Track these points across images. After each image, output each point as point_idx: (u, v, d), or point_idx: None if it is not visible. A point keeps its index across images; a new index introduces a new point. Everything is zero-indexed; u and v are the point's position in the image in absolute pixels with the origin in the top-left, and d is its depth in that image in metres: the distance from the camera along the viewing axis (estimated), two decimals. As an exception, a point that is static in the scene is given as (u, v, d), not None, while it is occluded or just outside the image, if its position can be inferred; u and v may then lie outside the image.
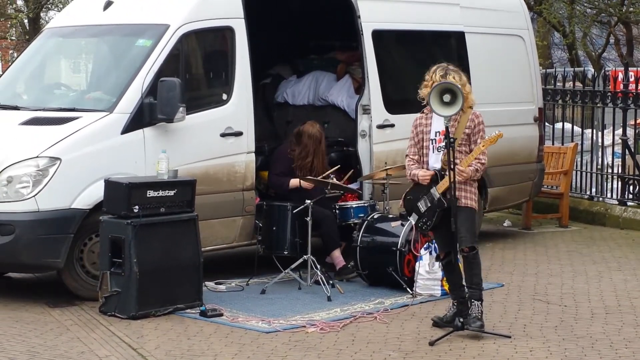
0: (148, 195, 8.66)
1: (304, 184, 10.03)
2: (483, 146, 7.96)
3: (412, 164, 8.17)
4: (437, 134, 8.02)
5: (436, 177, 8.02)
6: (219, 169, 9.84)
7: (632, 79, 13.86)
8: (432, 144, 8.06)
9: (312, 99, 11.86)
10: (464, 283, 8.20)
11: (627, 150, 14.25)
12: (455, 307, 8.17)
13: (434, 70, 8.14)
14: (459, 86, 7.87)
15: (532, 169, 12.80)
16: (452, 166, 7.82)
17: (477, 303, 8.05)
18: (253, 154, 10.11)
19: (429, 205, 8.03)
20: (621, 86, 14.24)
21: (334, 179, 10.01)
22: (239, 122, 10.00)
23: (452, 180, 7.83)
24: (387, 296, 9.27)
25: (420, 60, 11.70)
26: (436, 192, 7.99)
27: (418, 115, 8.24)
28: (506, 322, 8.43)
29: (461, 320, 7.94)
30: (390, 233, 9.72)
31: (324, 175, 10.03)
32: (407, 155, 8.26)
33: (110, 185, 8.72)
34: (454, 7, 12.01)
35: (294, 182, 10.15)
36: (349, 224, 10.12)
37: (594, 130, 15.09)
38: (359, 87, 11.37)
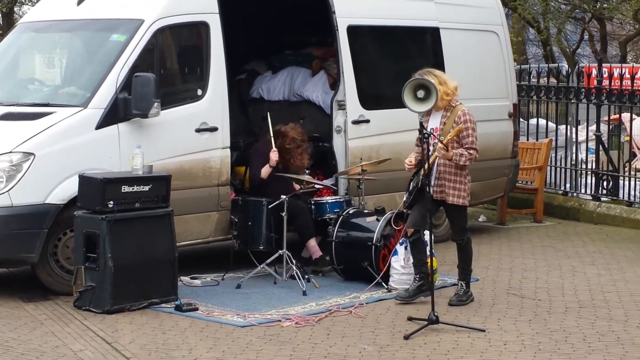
0: (123, 191, 8.63)
1: (271, 160, 10.00)
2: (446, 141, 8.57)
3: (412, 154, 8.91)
4: (432, 130, 8.56)
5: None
6: (194, 164, 9.82)
7: (605, 75, 13.94)
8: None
9: (288, 94, 11.85)
10: (427, 260, 8.86)
11: (600, 146, 14.35)
12: (417, 280, 8.89)
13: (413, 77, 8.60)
14: (432, 82, 8.18)
15: (506, 164, 12.84)
16: (427, 159, 8.39)
17: (461, 282, 8.96)
18: (228, 150, 10.09)
19: (414, 185, 8.71)
20: (595, 82, 14.32)
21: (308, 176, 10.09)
22: (214, 117, 9.98)
23: (424, 173, 8.40)
24: (362, 290, 9.28)
25: (395, 56, 11.77)
26: (420, 175, 8.56)
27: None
28: (480, 316, 8.47)
29: (435, 314, 7.98)
30: (365, 228, 9.74)
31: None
32: None
33: (85, 181, 8.69)
34: (429, 3, 12.04)
35: (265, 169, 10.13)
36: (324, 219, 10.13)
37: (568, 126, 15.17)
38: (334, 82, 11.37)
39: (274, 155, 10.05)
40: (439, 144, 8.52)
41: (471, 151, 8.71)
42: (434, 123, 8.73)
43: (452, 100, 8.74)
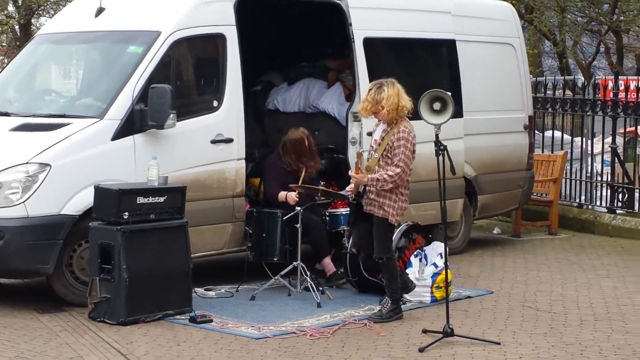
0: (138, 202, 8.65)
1: (289, 198, 9.97)
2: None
3: None
4: (374, 141, 8.69)
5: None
6: (209, 176, 9.83)
7: (621, 88, 13.91)
8: (371, 149, 8.69)
9: (303, 106, 11.85)
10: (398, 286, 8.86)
11: (616, 158, 14.31)
12: (391, 304, 8.73)
13: (369, 88, 8.69)
14: (449, 94, 8.14)
15: (521, 176, 12.84)
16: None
17: (387, 299, 8.75)
18: (243, 161, 10.11)
19: (352, 202, 8.85)
20: (611, 95, 14.30)
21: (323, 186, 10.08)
22: (230, 128, 10.00)
23: (442, 190, 8.12)
24: (376, 303, 9.23)
25: (411, 68, 11.76)
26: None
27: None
28: (496, 329, 8.44)
29: (450, 326, 7.97)
30: (380, 240, 9.70)
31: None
32: None
33: (100, 192, 8.71)
34: (445, 15, 12.03)
35: (281, 195, 10.12)
36: (338, 230, 10.13)
37: (584, 139, 15.14)
38: (350, 94, 11.38)
39: (291, 200, 9.95)
40: (350, 173, 8.72)
41: (390, 172, 8.43)
42: (376, 135, 8.70)
43: (397, 118, 8.53)
